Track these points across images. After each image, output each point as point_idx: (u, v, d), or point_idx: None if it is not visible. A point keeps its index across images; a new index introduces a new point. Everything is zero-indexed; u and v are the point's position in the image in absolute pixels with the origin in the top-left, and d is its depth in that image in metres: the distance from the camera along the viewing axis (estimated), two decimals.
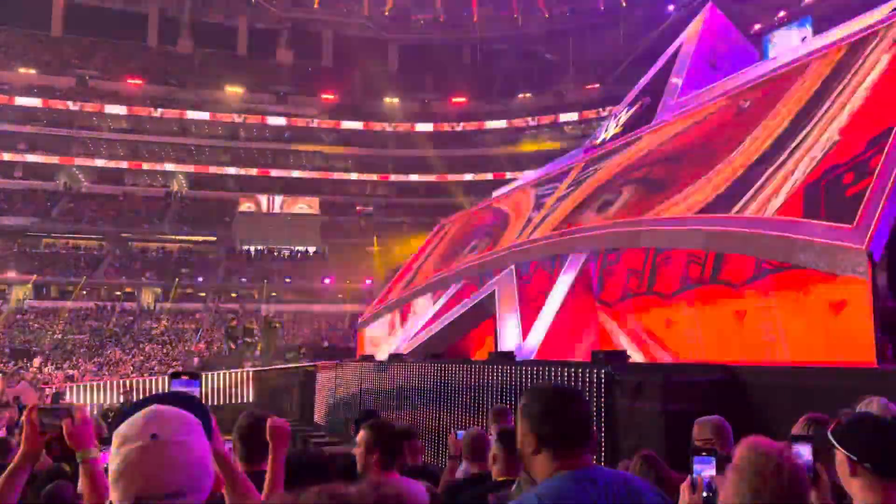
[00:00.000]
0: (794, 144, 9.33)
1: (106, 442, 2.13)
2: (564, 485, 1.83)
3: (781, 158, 9.32)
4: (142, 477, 1.23)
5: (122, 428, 1.29)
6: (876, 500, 1.96)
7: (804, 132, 9.35)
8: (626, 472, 2.58)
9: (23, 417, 2.11)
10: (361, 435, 3.25)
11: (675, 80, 16.03)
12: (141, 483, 1.22)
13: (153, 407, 1.33)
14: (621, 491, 1.87)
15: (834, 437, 2.05)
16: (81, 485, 3.20)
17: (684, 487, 2.30)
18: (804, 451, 2.23)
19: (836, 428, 2.09)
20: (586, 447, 1.94)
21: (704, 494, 2.21)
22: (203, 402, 1.73)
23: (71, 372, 30.65)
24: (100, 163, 51.61)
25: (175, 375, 1.86)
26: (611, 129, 18.34)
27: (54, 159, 50.22)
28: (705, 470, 2.27)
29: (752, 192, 9.28)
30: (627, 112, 17.84)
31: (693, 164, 11.77)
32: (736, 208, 9.39)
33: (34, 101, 49.78)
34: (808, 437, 2.33)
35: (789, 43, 15.58)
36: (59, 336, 38.61)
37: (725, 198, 9.89)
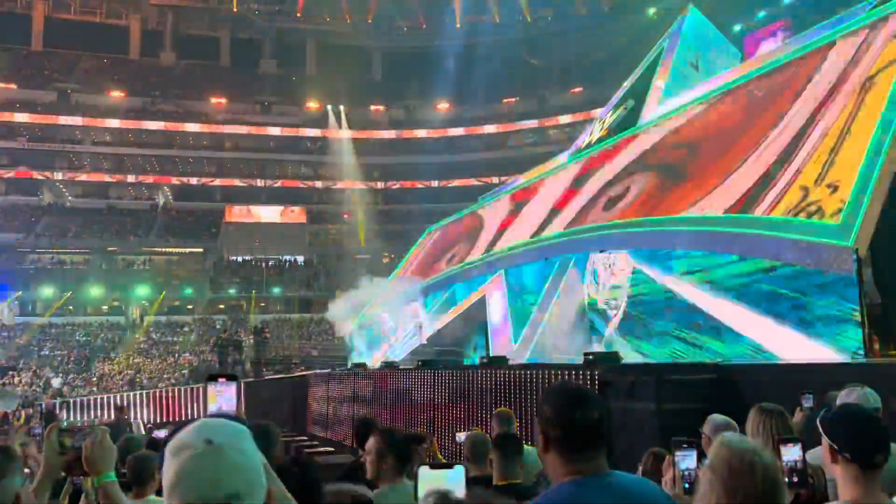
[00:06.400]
0: (782, 145, 9.45)
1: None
2: (574, 490, 1.79)
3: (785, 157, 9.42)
4: (201, 481, 1.24)
5: (175, 439, 1.30)
6: (853, 487, 2.03)
7: (791, 132, 9.48)
8: (641, 477, 2.60)
9: (45, 438, 2.16)
10: (372, 442, 3.22)
11: (659, 83, 16.19)
12: (201, 487, 1.23)
13: (203, 418, 1.36)
14: (632, 492, 1.85)
15: (822, 427, 2.11)
16: None
17: (666, 480, 2.35)
18: (793, 453, 2.28)
19: (823, 417, 2.15)
20: (597, 450, 1.87)
21: (685, 486, 2.27)
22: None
23: (58, 387, 30.38)
24: (84, 177, 51.24)
25: (212, 378, 1.90)
26: (596, 132, 18.47)
27: (38, 174, 49.80)
28: (685, 461, 2.32)
29: (745, 192, 9.39)
30: (612, 115, 17.98)
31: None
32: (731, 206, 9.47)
33: (16, 116, 49.39)
34: (795, 439, 2.38)
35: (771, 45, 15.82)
36: (47, 352, 38.27)
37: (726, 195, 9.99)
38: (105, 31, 55.06)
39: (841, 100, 9.07)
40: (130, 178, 52.46)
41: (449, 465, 1.83)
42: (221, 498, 1.24)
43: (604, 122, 18.40)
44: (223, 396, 1.89)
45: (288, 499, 1.64)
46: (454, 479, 1.77)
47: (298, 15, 56.87)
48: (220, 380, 1.90)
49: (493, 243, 17.45)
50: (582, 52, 51.54)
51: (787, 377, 5.99)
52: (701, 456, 2.27)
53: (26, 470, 2.03)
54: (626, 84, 18.46)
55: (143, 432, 14.34)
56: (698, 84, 14.73)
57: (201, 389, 20.90)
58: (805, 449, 2.31)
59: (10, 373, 33.65)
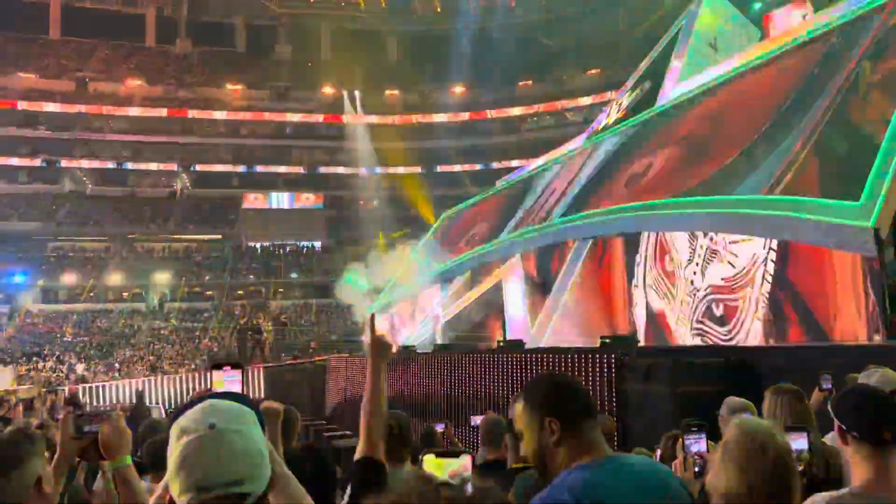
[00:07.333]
0: (801, 122, 9.30)
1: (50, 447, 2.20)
2: (590, 474, 1.73)
3: (790, 135, 9.30)
4: (202, 466, 1.24)
5: (180, 421, 1.30)
6: (865, 468, 1.99)
7: (811, 108, 9.33)
8: (643, 456, 2.60)
9: (59, 422, 2.18)
10: None
11: (677, 63, 15.98)
12: (201, 472, 1.23)
13: (209, 400, 1.35)
14: (647, 475, 1.81)
15: (830, 407, 2.09)
16: (98, 488, 3.27)
17: (676, 464, 2.34)
18: (798, 443, 2.26)
19: (833, 398, 2.13)
20: (597, 427, 1.86)
21: (696, 469, 2.26)
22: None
23: (82, 373, 30.85)
24: (103, 164, 51.69)
25: (217, 366, 1.89)
26: (613, 114, 18.31)
27: (58, 162, 50.30)
28: (696, 445, 2.31)
29: (762, 171, 9.26)
30: (629, 96, 17.81)
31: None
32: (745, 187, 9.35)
33: (35, 105, 49.86)
34: (801, 427, 2.36)
35: (789, 22, 15.52)
36: (69, 339, 38.84)
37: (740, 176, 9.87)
38: (121, 19, 55.26)
39: (863, 80, 8.91)
40: (148, 166, 52.83)
41: (455, 454, 1.81)
42: (223, 483, 1.23)
43: (621, 104, 18.23)
44: (229, 385, 1.88)
45: (294, 483, 1.63)
46: (459, 468, 1.75)
47: (312, 0, 56.72)
48: (226, 368, 1.89)
49: (512, 226, 17.39)
50: (599, 34, 50.97)
51: (806, 359, 5.93)
52: (712, 439, 2.26)
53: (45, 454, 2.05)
54: (644, 65, 18.26)
55: (165, 417, 14.53)
56: (717, 63, 14.52)
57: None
58: (819, 435, 2.29)
59: (35, 359, 34.24)
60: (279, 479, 1.42)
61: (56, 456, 2.18)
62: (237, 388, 1.90)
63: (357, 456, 2.13)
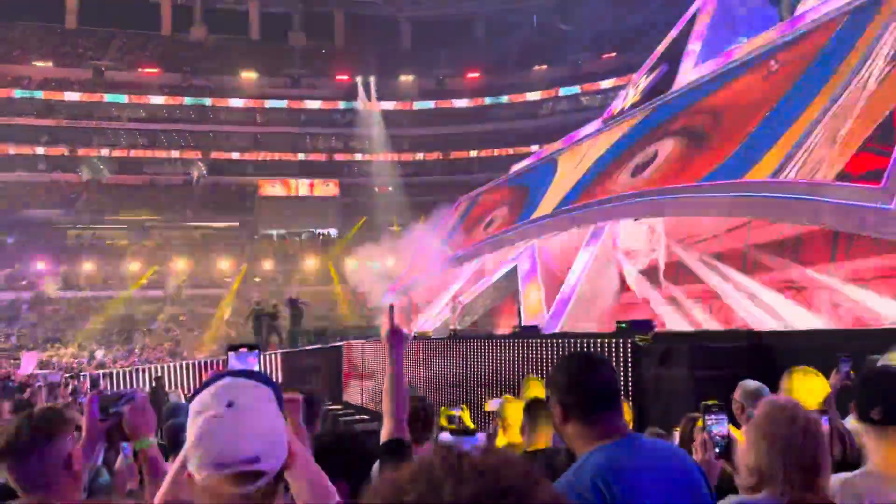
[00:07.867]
0: (822, 107, 9.17)
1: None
2: (607, 456, 1.79)
3: (811, 121, 9.17)
4: (218, 444, 1.25)
5: (198, 399, 1.32)
6: (882, 449, 1.99)
7: (830, 91, 9.19)
8: (659, 439, 2.61)
9: (84, 404, 2.23)
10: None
11: (693, 46, 15.81)
12: (218, 449, 1.25)
13: (227, 378, 1.35)
14: (665, 456, 1.87)
15: (850, 388, 2.10)
16: (119, 467, 3.33)
17: (696, 446, 2.35)
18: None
19: (853, 379, 2.14)
20: (616, 412, 1.90)
21: (716, 450, 2.27)
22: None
23: (102, 359, 31.25)
24: (120, 153, 52.05)
25: (233, 348, 1.89)
26: (629, 97, 18.16)
27: (76, 151, 50.72)
28: (716, 426, 2.32)
29: (784, 157, 9.15)
30: (646, 80, 17.65)
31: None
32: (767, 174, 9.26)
33: (53, 94, 50.22)
34: (819, 411, 2.36)
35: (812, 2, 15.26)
36: (89, 325, 39.31)
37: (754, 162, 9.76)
38: (136, 7, 55.45)
39: (878, 61, 8.76)
40: (165, 154, 53.13)
41: (471, 432, 1.84)
42: (239, 461, 1.24)
43: (637, 88, 18.07)
44: (245, 367, 1.89)
45: (312, 464, 1.64)
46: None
47: None
48: (242, 349, 1.89)
49: (528, 212, 17.35)
50: (615, 17, 50.45)
51: (825, 343, 5.88)
52: (730, 421, 2.26)
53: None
54: (660, 48, 18.07)
55: (184, 401, 14.68)
56: (734, 47, 14.33)
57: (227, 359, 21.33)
58: (838, 416, 2.28)
59: (56, 345, 34.75)
60: (296, 459, 1.43)
61: (83, 437, 2.22)
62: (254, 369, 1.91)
63: (383, 438, 2.18)
